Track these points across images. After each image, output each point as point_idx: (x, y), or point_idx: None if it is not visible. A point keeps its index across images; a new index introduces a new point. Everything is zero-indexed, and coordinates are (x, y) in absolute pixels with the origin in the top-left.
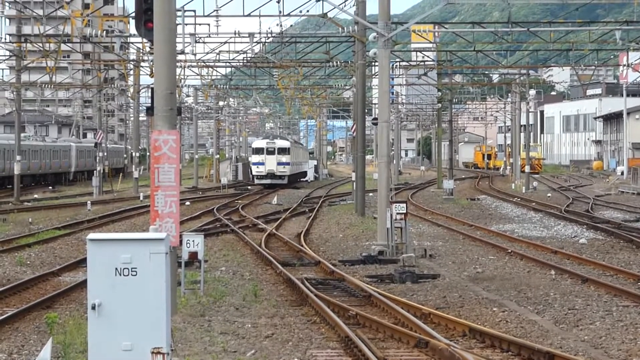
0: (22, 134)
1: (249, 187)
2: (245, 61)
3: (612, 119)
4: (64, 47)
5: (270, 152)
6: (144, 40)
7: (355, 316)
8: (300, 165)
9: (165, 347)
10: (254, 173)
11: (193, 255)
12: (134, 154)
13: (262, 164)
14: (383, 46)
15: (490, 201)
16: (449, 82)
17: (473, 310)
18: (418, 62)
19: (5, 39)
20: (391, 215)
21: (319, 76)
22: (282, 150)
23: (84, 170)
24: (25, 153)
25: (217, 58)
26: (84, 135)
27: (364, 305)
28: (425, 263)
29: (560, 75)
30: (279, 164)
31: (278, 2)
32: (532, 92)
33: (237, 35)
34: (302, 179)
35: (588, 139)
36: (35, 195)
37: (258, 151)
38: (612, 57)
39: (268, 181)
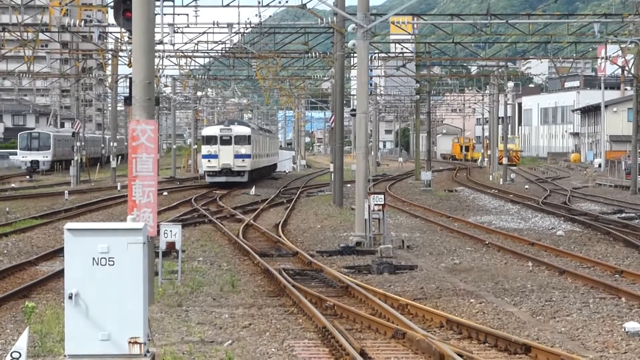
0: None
1: None
2: (223, 51)
3: (590, 112)
4: (42, 36)
5: (225, 141)
6: (123, 30)
7: (333, 307)
8: (267, 157)
9: (142, 337)
10: (204, 169)
11: (170, 246)
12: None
13: (215, 156)
14: (362, 37)
15: (467, 193)
16: (428, 73)
17: (450, 302)
18: (397, 54)
19: None
20: (369, 206)
21: (298, 67)
22: (241, 139)
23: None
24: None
25: (196, 48)
26: (62, 125)
27: (341, 296)
28: (402, 254)
29: (538, 68)
30: (237, 156)
31: None
32: (510, 84)
33: (215, 25)
34: (275, 172)
35: (566, 131)
36: (13, 185)
37: (209, 140)
38: (590, 49)
39: (222, 179)
